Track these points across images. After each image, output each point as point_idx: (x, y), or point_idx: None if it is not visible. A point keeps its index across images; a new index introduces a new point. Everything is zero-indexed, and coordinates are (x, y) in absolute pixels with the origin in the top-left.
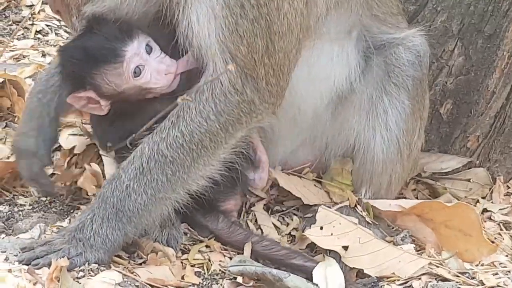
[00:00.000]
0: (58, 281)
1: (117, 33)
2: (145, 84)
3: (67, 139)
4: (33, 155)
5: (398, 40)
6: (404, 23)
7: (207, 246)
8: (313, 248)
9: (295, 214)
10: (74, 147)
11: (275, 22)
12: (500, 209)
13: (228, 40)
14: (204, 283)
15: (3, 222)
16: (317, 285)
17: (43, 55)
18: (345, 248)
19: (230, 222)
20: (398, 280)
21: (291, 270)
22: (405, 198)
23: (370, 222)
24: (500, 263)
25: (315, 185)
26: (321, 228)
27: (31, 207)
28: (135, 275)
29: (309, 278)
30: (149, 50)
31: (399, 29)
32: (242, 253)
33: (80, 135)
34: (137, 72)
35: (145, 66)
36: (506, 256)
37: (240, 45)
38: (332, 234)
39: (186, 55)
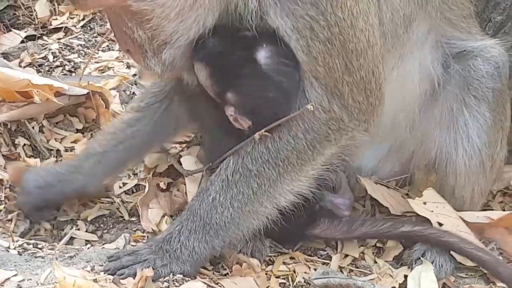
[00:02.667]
0: None
1: None
2: None
3: (151, 156)
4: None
5: (476, 51)
6: (476, 27)
7: (291, 258)
8: (399, 260)
9: None
10: (157, 166)
11: (351, 40)
12: None
13: (304, 62)
14: None
15: (90, 232)
16: None
17: (128, 67)
18: (440, 225)
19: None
20: None
21: (403, 238)
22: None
23: None
24: None
25: (402, 196)
26: (425, 203)
27: (115, 217)
28: (220, 286)
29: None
30: None
31: (471, 34)
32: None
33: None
34: None
35: None
36: None
37: (316, 65)
38: (433, 211)
39: None
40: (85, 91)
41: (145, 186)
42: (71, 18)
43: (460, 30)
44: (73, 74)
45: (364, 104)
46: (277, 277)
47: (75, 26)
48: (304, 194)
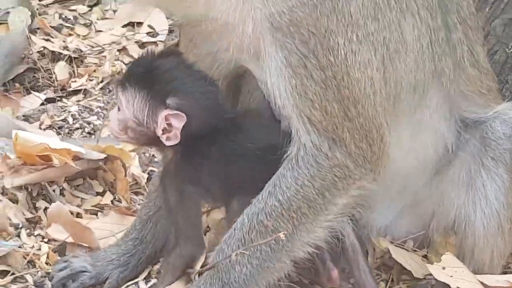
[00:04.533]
0: None
1: None
2: None
3: None
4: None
5: (495, 114)
6: (495, 101)
7: None
8: None
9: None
10: None
11: (346, 86)
12: None
13: (300, 103)
14: None
15: None
16: None
17: None
18: None
19: None
20: None
21: None
22: None
23: None
24: None
25: (422, 258)
26: (444, 268)
27: None
28: None
29: None
30: None
31: (489, 107)
32: None
33: None
34: None
35: None
36: None
37: (313, 109)
38: (452, 276)
39: None
40: (102, 156)
41: None
42: (90, 80)
43: (477, 105)
44: (93, 136)
45: (368, 152)
46: None
47: (94, 88)
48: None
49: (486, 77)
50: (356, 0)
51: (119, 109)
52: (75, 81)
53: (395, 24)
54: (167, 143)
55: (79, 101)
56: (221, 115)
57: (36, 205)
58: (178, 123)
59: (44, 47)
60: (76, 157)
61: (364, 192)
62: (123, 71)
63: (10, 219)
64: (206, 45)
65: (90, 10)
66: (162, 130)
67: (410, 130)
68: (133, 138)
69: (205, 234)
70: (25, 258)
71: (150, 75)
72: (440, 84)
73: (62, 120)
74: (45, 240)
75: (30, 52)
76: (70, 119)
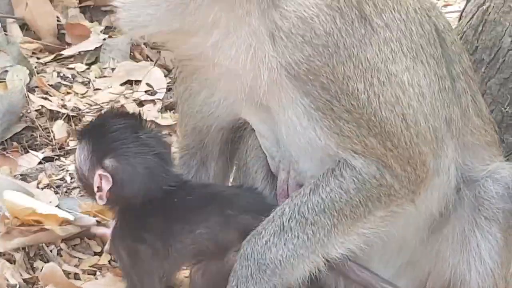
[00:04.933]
0: None
1: None
2: None
3: None
4: None
5: (487, 173)
6: (492, 154)
7: None
8: None
9: None
10: None
11: (375, 125)
12: None
13: (340, 141)
14: None
15: None
16: None
17: None
18: None
19: None
20: None
21: None
22: None
23: None
24: None
25: None
26: None
27: None
28: None
29: None
30: None
31: (484, 160)
32: None
33: None
34: None
35: None
36: None
37: (353, 144)
38: None
39: None
40: (93, 220)
41: None
42: None
43: (477, 156)
44: None
45: (413, 175)
46: None
47: None
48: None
49: (489, 126)
50: (372, 46)
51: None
52: (73, 140)
53: (411, 69)
54: (99, 202)
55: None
56: (160, 185)
57: (34, 266)
58: (105, 185)
59: (42, 106)
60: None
61: (401, 211)
62: None
63: (7, 280)
64: (203, 93)
65: (88, 68)
66: (97, 187)
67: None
68: (82, 188)
69: None
70: None
71: (98, 132)
72: (451, 132)
73: (60, 179)
74: None
75: (28, 111)
76: (68, 178)
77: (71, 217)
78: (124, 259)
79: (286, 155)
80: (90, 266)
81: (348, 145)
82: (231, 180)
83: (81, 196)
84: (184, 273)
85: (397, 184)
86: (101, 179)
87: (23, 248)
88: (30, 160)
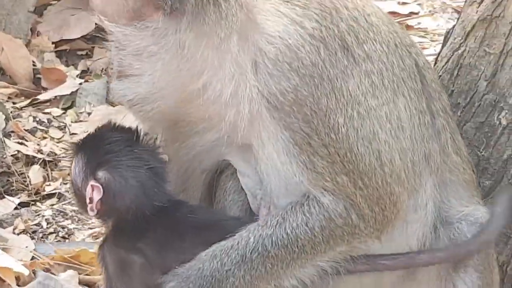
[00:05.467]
0: None
1: None
2: None
3: None
4: None
5: (463, 216)
6: (477, 197)
7: None
8: None
9: None
10: None
11: (349, 161)
12: None
13: (312, 177)
14: None
15: None
16: None
17: None
18: None
19: None
20: None
21: None
22: None
23: None
24: None
25: None
26: None
27: None
28: None
29: None
30: None
31: (462, 200)
32: None
33: None
34: None
35: None
36: None
37: (324, 181)
38: None
39: None
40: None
41: None
42: (64, 184)
43: (455, 195)
44: (67, 240)
45: (380, 215)
46: None
47: (68, 191)
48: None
49: (467, 165)
50: (354, 78)
51: None
52: (49, 185)
53: (391, 102)
54: (90, 213)
55: (53, 205)
56: (152, 200)
57: None
58: (96, 196)
59: (18, 151)
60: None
61: (364, 247)
62: None
63: None
64: (190, 139)
65: (64, 113)
66: (89, 199)
67: (406, 214)
68: (77, 201)
69: None
70: None
71: (93, 145)
72: (430, 167)
73: (36, 225)
74: None
75: (4, 156)
76: (44, 224)
77: (25, 272)
78: (111, 271)
79: (267, 192)
80: None
81: (319, 182)
82: None
83: (57, 241)
84: None
85: (363, 224)
86: (92, 190)
87: None
88: (6, 206)
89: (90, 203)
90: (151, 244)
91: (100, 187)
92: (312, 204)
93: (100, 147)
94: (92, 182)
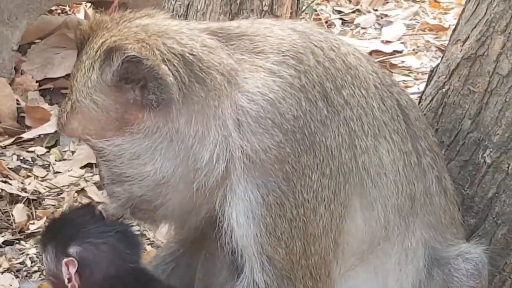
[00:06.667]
0: None
1: None
2: None
3: None
4: None
5: (459, 253)
6: (461, 237)
7: None
8: None
9: None
10: None
11: (311, 223)
12: None
13: (266, 242)
14: None
15: None
16: None
17: None
18: None
19: None
20: None
21: None
22: None
23: None
24: None
25: None
26: None
27: None
28: None
29: None
30: None
31: (453, 241)
32: None
33: None
34: None
35: None
36: None
37: (278, 247)
38: None
39: None
40: None
41: None
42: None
43: (440, 235)
44: None
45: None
46: None
47: None
48: None
49: (452, 205)
50: (332, 130)
51: None
52: (33, 224)
53: (372, 148)
54: None
55: (37, 243)
56: (127, 263)
57: None
58: (72, 270)
59: (2, 189)
60: None
61: None
62: None
63: None
64: None
65: (48, 151)
66: (67, 278)
67: (396, 259)
68: None
69: None
70: None
71: (57, 228)
72: (415, 209)
73: (20, 263)
74: None
75: None
76: (28, 262)
77: None
78: None
79: None
80: None
81: (270, 248)
82: None
83: (41, 279)
84: None
85: None
86: (68, 267)
87: None
88: None
89: (69, 281)
90: None
91: (74, 260)
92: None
93: (63, 228)
94: (64, 260)
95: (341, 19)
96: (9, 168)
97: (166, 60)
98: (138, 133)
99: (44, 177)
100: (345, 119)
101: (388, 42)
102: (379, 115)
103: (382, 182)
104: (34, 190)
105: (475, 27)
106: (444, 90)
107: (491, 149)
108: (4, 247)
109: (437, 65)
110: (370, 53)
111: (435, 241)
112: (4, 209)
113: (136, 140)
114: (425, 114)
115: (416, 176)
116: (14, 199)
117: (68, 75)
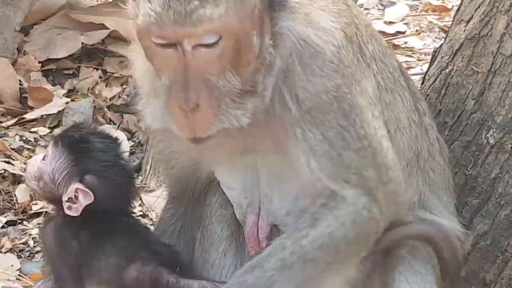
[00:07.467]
0: None
1: None
2: None
3: None
4: None
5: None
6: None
7: None
8: None
9: None
10: None
11: (379, 154)
12: None
13: (335, 172)
14: None
15: None
16: None
17: None
18: None
19: None
20: None
21: None
22: None
23: None
24: None
25: None
26: None
27: None
28: None
29: None
30: None
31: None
32: None
33: None
34: None
35: None
36: None
37: (349, 174)
38: None
39: None
40: None
41: None
42: None
43: (437, 203)
44: None
45: (395, 214)
46: None
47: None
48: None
49: (449, 170)
50: (368, 80)
51: (43, 159)
52: (36, 204)
53: (392, 103)
54: (67, 212)
55: (40, 223)
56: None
57: None
58: (84, 201)
59: (5, 170)
60: None
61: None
62: None
63: None
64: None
65: (51, 132)
66: (68, 198)
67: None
68: (41, 190)
69: None
70: None
71: (82, 147)
72: (419, 166)
73: (23, 243)
74: None
75: None
76: (31, 242)
77: None
78: (51, 248)
79: (255, 199)
80: None
81: (344, 176)
82: None
83: (44, 260)
84: None
85: (382, 220)
86: (76, 192)
87: None
88: None
89: (69, 202)
90: (89, 236)
91: (90, 192)
92: (337, 200)
93: (89, 151)
94: (79, 185)
95: None
96: (12, 149)
97: None
98: None
99: None
100: (373, 72)
101: (391, 23)
102: (392, 71)
103: (399, 136)
104: None
105: (478, 7)
106: (447, 70)
107: (494, 130)
108: (7, 227)
109: (440, 46)
110: None
111: (428, 199)
112: (6, 190)
113: None
114: (428, 95)
115: (421, 134)
116: (16, 180)
117: (70, 56)
